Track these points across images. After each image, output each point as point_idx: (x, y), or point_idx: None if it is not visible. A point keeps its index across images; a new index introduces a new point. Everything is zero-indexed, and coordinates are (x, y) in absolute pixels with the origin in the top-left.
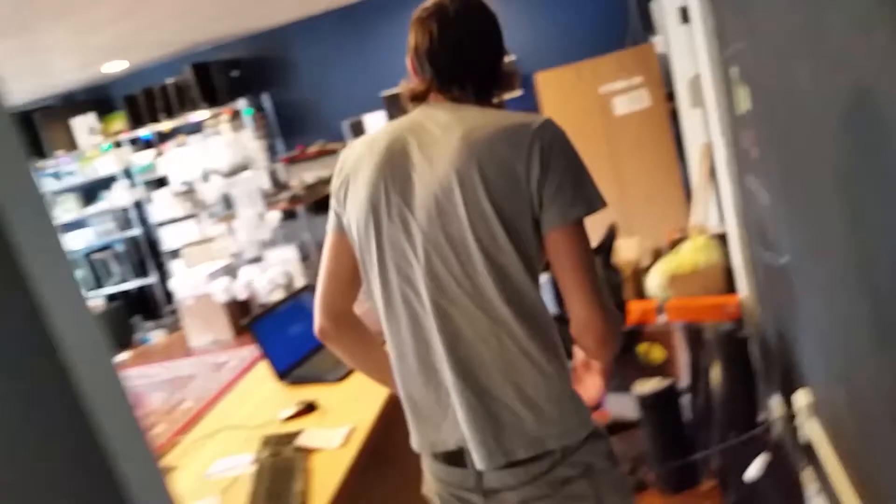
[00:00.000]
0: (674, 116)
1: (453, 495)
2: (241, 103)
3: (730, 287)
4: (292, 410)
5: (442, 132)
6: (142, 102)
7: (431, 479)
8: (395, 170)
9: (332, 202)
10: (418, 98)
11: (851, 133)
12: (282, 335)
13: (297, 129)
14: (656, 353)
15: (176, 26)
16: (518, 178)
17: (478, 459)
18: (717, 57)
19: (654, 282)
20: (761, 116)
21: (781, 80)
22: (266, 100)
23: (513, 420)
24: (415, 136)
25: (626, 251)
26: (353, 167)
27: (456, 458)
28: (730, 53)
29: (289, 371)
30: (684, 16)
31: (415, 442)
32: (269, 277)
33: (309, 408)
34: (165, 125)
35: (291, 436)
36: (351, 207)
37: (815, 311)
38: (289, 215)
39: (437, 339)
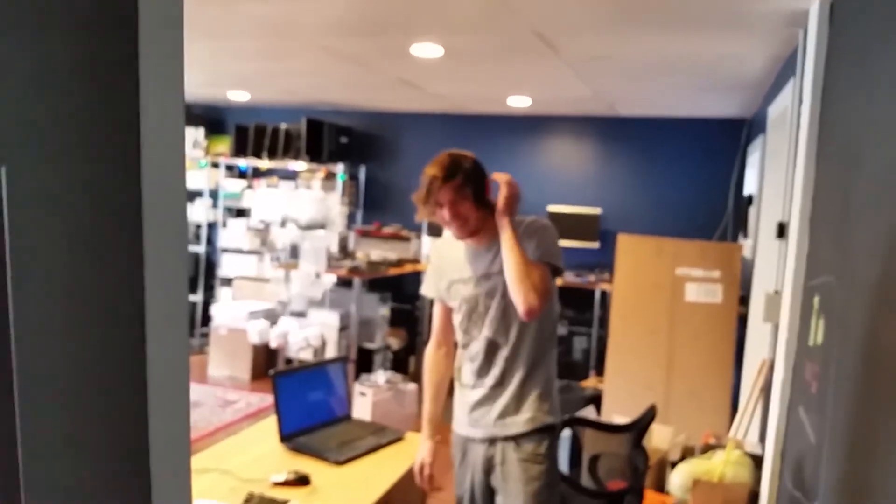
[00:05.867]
0: (741, 321)
1: None
2: (339, 167)
3: None
4: (284, 477)
5: None
6: (251, 135)
7: None
8: None
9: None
10: None
11: None
12: (300, 398)
13: (379, 206)
14: None
15: (306, 82)
16: None
17: None
18: (803, 283)
19: (677, 480)
20: (830, 356)
21: (863, 327)
22: (361, 171)
23: None
24: None
25: (659, 438)
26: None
27: None
28: (816, 283)
29: (293, 436)
30: (781, 231)
31: None
32: (305, 335)
33: (302, 480)
34: (265, 163)
35: (277, 503)
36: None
37: None
38: (344, 283)
39: None
